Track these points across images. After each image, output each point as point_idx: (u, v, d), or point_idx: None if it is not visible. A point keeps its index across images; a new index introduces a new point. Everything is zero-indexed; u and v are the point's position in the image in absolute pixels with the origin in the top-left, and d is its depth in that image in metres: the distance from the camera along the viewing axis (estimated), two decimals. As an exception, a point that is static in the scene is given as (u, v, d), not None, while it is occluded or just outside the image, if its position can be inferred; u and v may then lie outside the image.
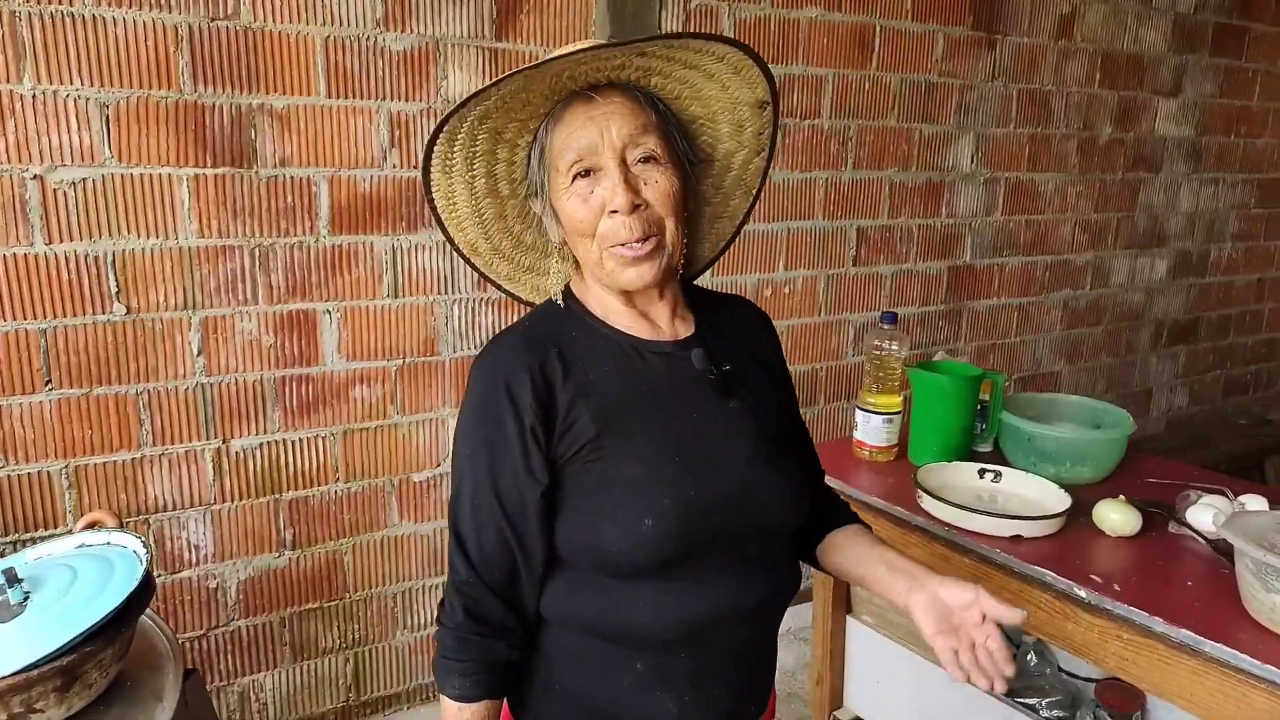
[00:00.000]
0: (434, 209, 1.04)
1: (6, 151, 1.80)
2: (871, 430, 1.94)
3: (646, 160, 0.99)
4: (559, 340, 1.04)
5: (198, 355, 2.07)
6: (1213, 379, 4.34)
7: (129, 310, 1.98)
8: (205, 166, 1.99)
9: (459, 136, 0.97)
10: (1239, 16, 3.80)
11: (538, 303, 1.16)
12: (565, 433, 1.00)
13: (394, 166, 2.20)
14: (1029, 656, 1.89)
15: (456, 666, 1.00)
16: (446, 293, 2.34)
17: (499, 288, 1.15)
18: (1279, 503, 1.63)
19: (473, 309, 2.38)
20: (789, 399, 1.22)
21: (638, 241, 0.98)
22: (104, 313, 1.96)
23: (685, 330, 1.10)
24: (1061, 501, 1.67)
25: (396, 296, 2.28)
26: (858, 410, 1.97)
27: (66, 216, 1.88)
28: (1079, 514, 1.66)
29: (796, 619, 3.02)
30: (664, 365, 1.06)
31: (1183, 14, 3.60)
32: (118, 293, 1.96)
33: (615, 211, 0.97)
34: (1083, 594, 1.43)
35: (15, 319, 1.87)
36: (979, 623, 0.96)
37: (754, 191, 1.18)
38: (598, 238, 1.00)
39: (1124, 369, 3.97)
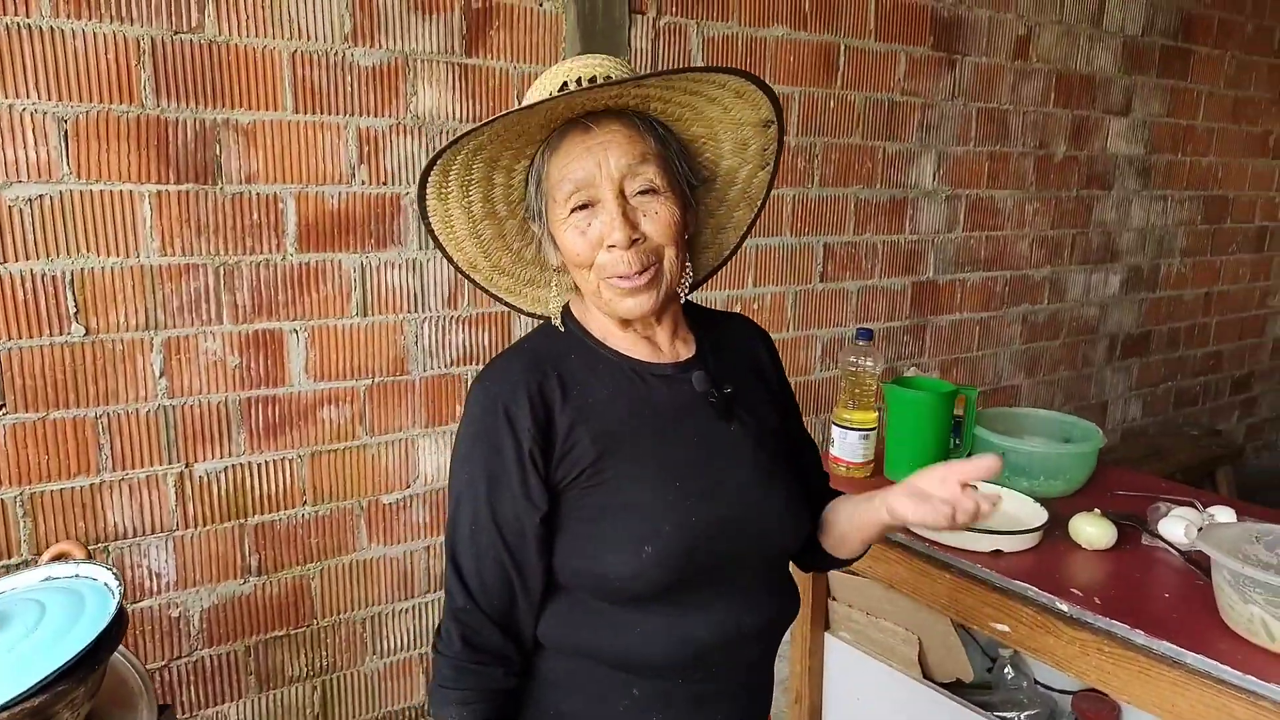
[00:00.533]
0: (431, 232, 1.02)
1: (-41, 167, 1.74)
2: (848, 447, 1.95)
3: (645, 192, 0.98)
4: (558, 362, 1.02)
5: (160, 377, 2.01)
6: (1164, 391, 4.45)
7: (88, 331, 1.91)
8: (168, 183, 1.94)
9: (453, 167, 0.96)
10: (1184, 39, 3.92)
11: (539, 313, 1.15)
12: (564, 457, 0.99)
13: (362, 183, 2.17)
14: (1005, 670, 1.91)
15: (455, 695, 0.98)
16: (416, 311, 2.30)
17: (501, 301, 1.13)
18: (1245, 514, 1.67)
19: (443, 327, 2.35)
20: (792, 412, 1.22)
21: (636, 274, 0.97)
22: (62, 333, 1.89)
23: (686, 352, 1.09)
24: (1038, 516, 1.69)
25: (365, 315, 2.24)
26: (834, 427, 1.97)
27: (23, 234, 1.82)
28: (1054, 528, 1.69)
29: (768, 635, 3.02)
30: (665, 388, 1.05)
31: (1131, 36, 3.71)
32: (76, 313, 1.89)
33: (613, 246, 0.96)
34: (1064, 608, 1.45)
35: (-33, 341, 1.80)
36: (959, 494, 0.96)
37: (758, 203, 1.17)
38: (595, 269, 0.99)
39: (1081, 382, 4.06)
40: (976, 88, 3.27)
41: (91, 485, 1.98)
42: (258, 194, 2.05)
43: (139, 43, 1.86)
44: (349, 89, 2.11)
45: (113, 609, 1.05)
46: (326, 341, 2.20)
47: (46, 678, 0.94)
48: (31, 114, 1.79)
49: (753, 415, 1.11)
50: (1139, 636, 1.36)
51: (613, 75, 0.99)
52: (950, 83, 3.19)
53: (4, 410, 1.85)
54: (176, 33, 1.89)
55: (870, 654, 1.95)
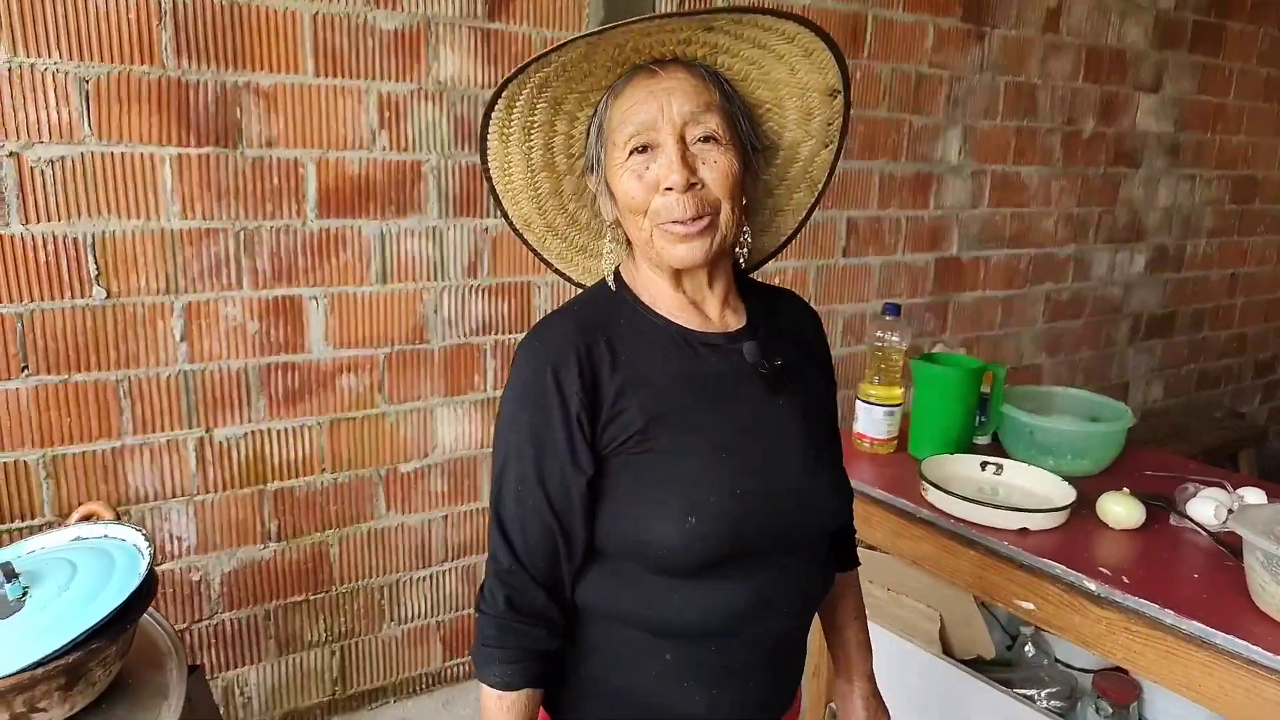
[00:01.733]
0: (489, 180, 1.00)
1: (-19, 127, 1.73)
2: (873, 423, 1.93)
3: (706, 140, 0.96)
4: (608, 327, 1.01)
5: (180, 341, 2.01)
6: (1187, 372, 4.41)
7: (109, 294, 1.91)
8: (189, 146, 1.93)
9: (517, 104, 0.94)
10: (1216, 15, 3.84)
11: (588, 284, 1.13)
12: (611, 422, 0.97)
13: (383, 149, 2.15)
14: (1026, 648, 1.90)
15: (499, 654, 0.98)
16: (436, 279, 2.29)
17: (550, 266, 1.12)
18: (1275, 496, 1.64)
19: (462, 296, 2.34)
20: (834, 399, 1.20)
21: (690, 220, 0.95)
22: (83, 297, 1.88)
23: (736, 322, 1.07)
24: (1066, 494, 1.67)
25: (385, 283, 2.22)
26: (859, 402, 1.96)
27: (45, 195, 1.81)
28: (1081, 507, 1.67)
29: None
30: (715, 357, 1.03)
31: (1164, 10, 3.64)
32: (98, 276, 1.89)
33: (669, 189, 0.94)
34: (1092, 586, 1.43)
35: (-10, 302, 1.80)
36: None
37: (819, 186, 1.15)
38: (650, 214, 0.97)
39: (1103, 362, 4.02)
40: (1005, 61, 3.21)
41: (113, 448, 1.98)
42: (278, 158, 2.03)
43: (160, 3, 1.84)
44: (370, 53, 2.08)
45: (143, 570, 1.05)
46: (346, 309, 2.19)
47: (80, 635, 0.95)
48: (54, 74, 1.77)
49: (802, 390, 1.09)
50: (1168, 616, 1.34)
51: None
52: (978, 55, 3.13)
53: (27, 372, 1.85)
54: (199, -7, 1.87)
55: (891, 630, 1.94)
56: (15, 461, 1.88)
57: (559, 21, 2.31)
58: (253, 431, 2.14)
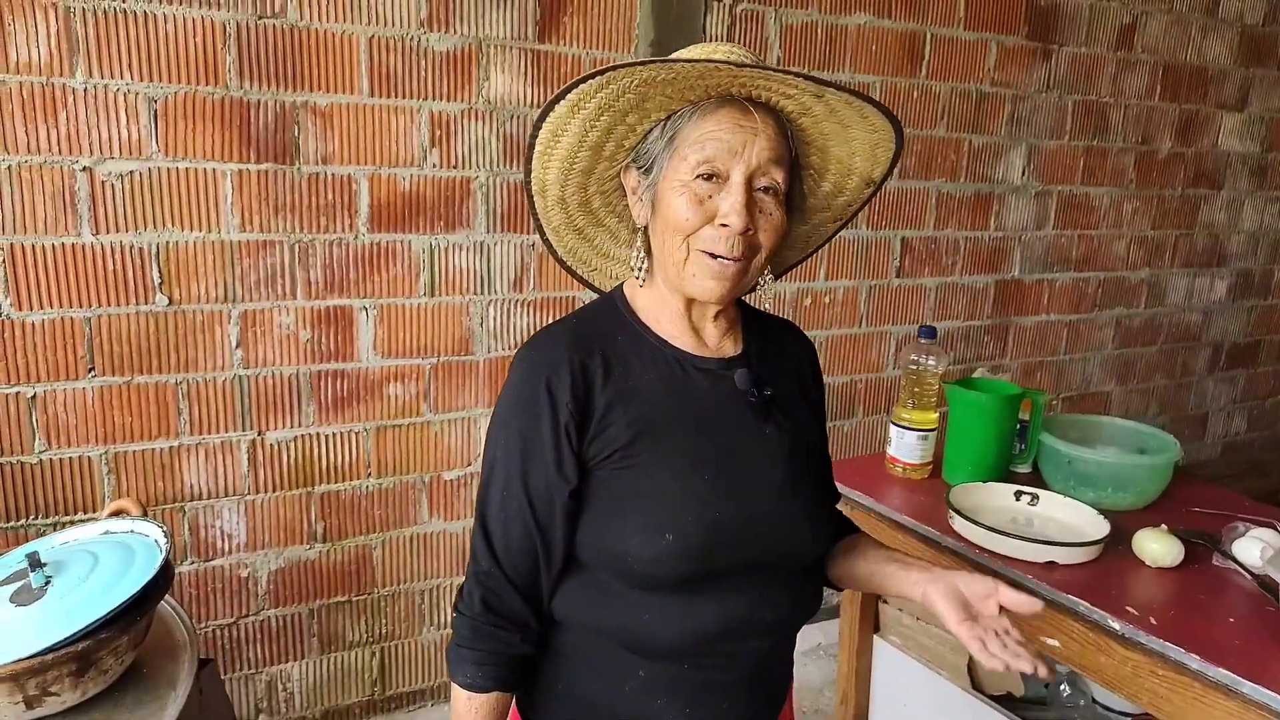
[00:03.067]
0: (536, 133, 1.00)
1: (58, 143, 1.85)
2: (905, 447, 1.90)
3: (767, 190, 0.98)
4: (604, 341, 1.03)
5: (236, 348, 2.10)
6: (1273, 405, 4.18)
7: (171, 301, 2.02)
8: (249, 162, 2.02)
9: (610, 87, 0.95)
10: (1311, 29, 3.65)
11: (568, 263, 1.16)
12: (598, 435, 0.99)
13: (434, 166, 2.22)
14: (1063, 687, 1.84)
15: (471, 655, 1.00)
16: (482, 293, 2.35)
17: (542, 235, 1.12)
18: (1333, 539, 1.55)
19: (508, 310, 2.39)
20: (823, 432, 1.20)
21: (733, 260, 0.97)
22: (147, 303, 1.99)
23: (732, 349, 1.09)
24: (1099, 528, 1.61)
25: (433, 295, 2.29)
26: (892, 425, 1.92)
27: (113, 208, 1.92)
28: (1118, 542, 1.60)
29: (827, 635, 2.98)
30: (706, 382, 1.05)
31: (1250, 25, 3.48)
32: (160, 284, 2.00)
33: (725, 226, 0.96)
34: (1116, 626, 1.38)
35: (61, 306, 1.92)
36: (996, 613, 0.99)
37: (810, 250, 1.21)
38: (693, 238, 0.98)
39: (1179, 391, 3.84)
40: (1074, 79, 3.12)
41: (171, 448, 2.09)
42: (333, 174, 2.12)
43: (225, 26, 1.94)
44: (423, 74, 2.16)
45: (158, 564, 1.11)
46: (395, 320, 2.26)
47: (90, 625, 1.01)
48: (124, 94, 1.89)
49: (791, 421, 1.09)
50: (1194, 661, 1.28)
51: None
52: (1045, 73, 3.05)
53: (93, 373, 1.97)
54: (260, 17, 1.97)
55: (919, 660, 1.90)
56: (80, 457, 2.00)
57: (609, 43, 2.35)
58: (302, 435, 2.23)
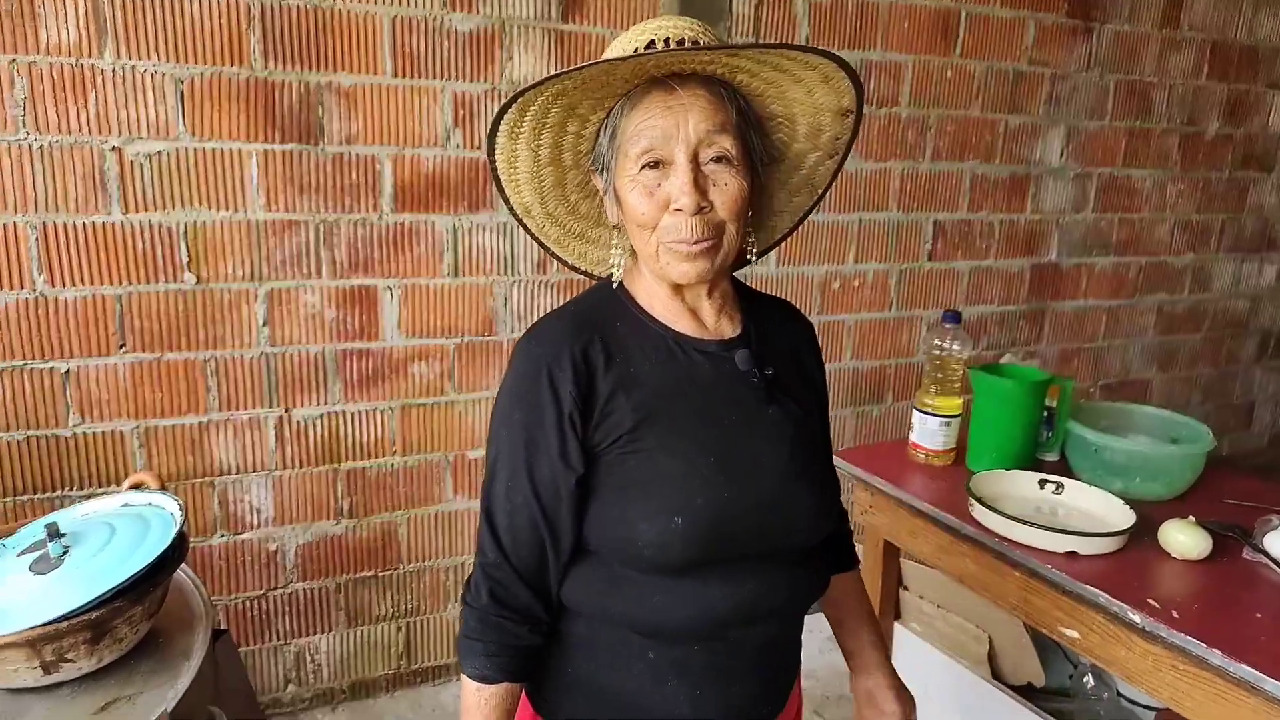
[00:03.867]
0: (494, 169, 1.02)
1: (88, 124, 1.88)
2: (928, 433, 1.87)
3: (719, 160, 0.96)
4: (604, 328, 1.02)
5: (263, 326, 2.13)
6: (1323, 395, 4.05)
7: (199, 280, 2.05)
8: (274, 142, 2.04)
9: (531, 108, 0.95)
10: (1372, 4, 3.51)
11: (582, 268, 1.15)
12: (602, 422, 0.98)
13: (457, 146, 2.22)
14: (1086, 679, 1.81)
15: (480, 647, 1.00)
16: (506, 274, 2.35)
17: (547, 250, 1.13)
18: (1371, 533, 1.50)
19: (531, 291, 2.39)
20: (824, 414, 1.19)
21: (696, 242, 0.96)
22: (175, 281, 2.03)
23: (731, 330, 1.08)
24: (1124, 518, 1.57)
25: (456, 276, 2.30)
26: (915, 411, 1.89)
27: (142, 188, 1.96)
28: (1145, 533, 1.56)
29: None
30: (707, 364, 1.04)
31: (1307, 1, 3.35)
32: (189, 262, 2.03)
33: (679, 210, 0.95)
34: (1136, 618, 1.34)
35: (93, 284, 1.96)
36: None
37: (819, 192, 1.14)
38: (657, 231, 0.97)
39: (1223, 380, 3.74)
40: (1116, 58, 3.03)
41: (200, 423, 2.13)
42: (357, 155, 2.13)
43: (249, 7, 1.96)
44: (446, 54, 2.16)
45: (171, 537, 1.13)
46: (419, 300, 2.28)
47: (103, 594, 1.03)
48: (152, 75, 1.91)
49: (793, 401, 1.08)
50: (1215, 656, 1.25)
51: (700, 40, 0.97)
52: (1085, 52, 2.97)
53: (124, 349, 2.01)
54: (285, -2, 1.98)
55: (940, 648, 1.88)
56: (113, 431, 2.05)
57: (632, 22, 2.32)
58: (328, 413, 2.26)
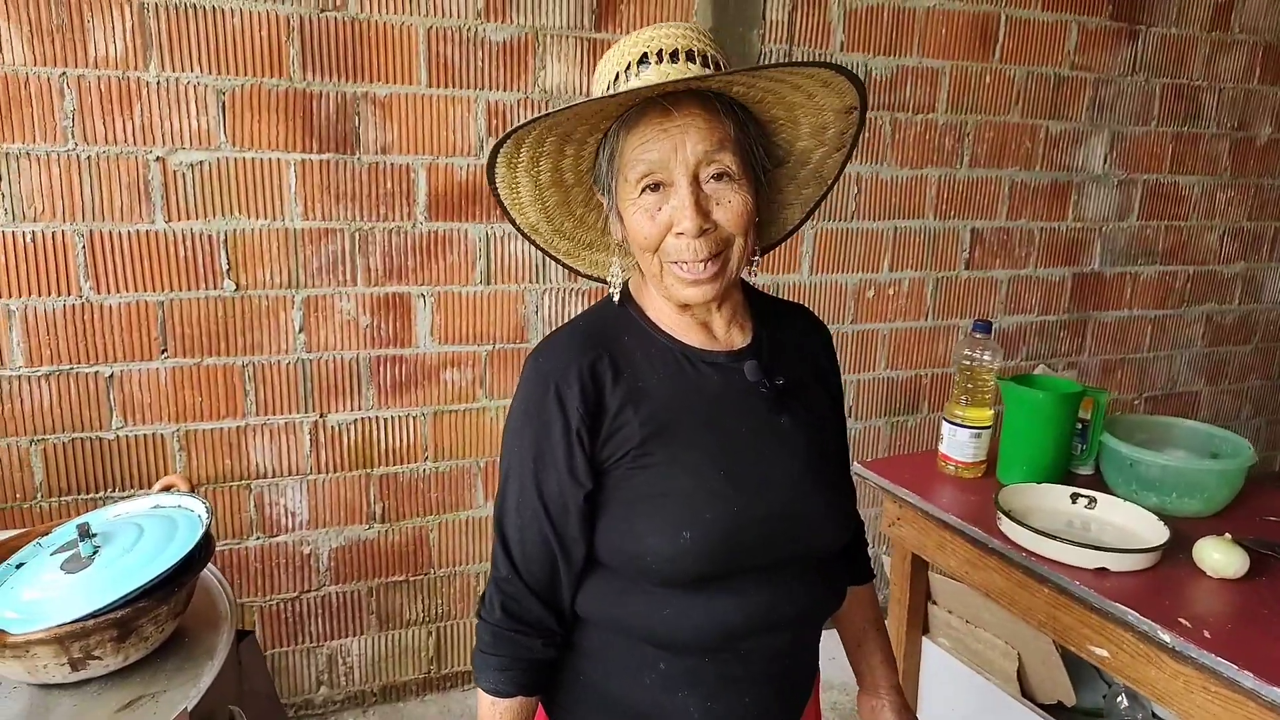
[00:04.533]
0: (497, 196, 1.03)
1: (133, 134, 1.94)
2: (957, 444, 1.84)
3: (719, 178, 0.95)
4: (612, 343, 1.02)
5: (299, 332, 2.18)
6: (1383, 409, 3.90)
7: (238, 286, 2.10)
8: (311, 152, 2.09)
9: (527, 140, 0.96)
10: None
11: (596, 275, 1.16)
12: (611, 437, 0.99)
13: (490, 155, 2.24)
14: (1120, 699, 1.76)
15: (494, 661, 1.01)
16: (537, 282, 2.37)
17: (560, 262, 1.14)
18: None
19: (562, 299, 2.40)
20: (840, 421, 1.17)
21: (701, 262, 0.96)
22: (215, 288, 2.08)
23: (741, 340, 1.07)
24: (1158, 535, 1.53)
25: (489, 283, 2.32)
26: (944, 422, 1.87)
27: (184, 196, 2.01)
28: (1179, 550, 1.53)
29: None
30: (716, 376, 1.03)
31: (1366, 1, 3.24)
32: (228, 269, 2.08)
33: (681, 234, 0.95)
34: (1166, 638, 1.31)
35: (137, 290, 2.02)
36: None
37: (829, 183, 1.13)
38: (660, 252, 0.97)
39: (1276, 393, 3.63)
40: (1162, 61, 2.96)
41: (238, 427, 2.18)
42: (392, 164, 2.17)
43: (289, 20, 2.00)
44: (480, 64, 2.19)
45: (197, 539, 1.16)
46: (451, 307, 2.31)
47: (130, 594, 1.06)
48: (194, 86, 1.97)
49: (806, 410, 1.07)
50: (1247, 679, 1.21)
51: (694, 49, 0.97)
52: (1130, 56, 2.91)
53: (165, 354, 2.07)
54: (322, 10, 2.02)
55: (968, 664, 1.85)
56: (154, 434, 2.10)
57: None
58: (362, 419, 2.29)
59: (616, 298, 1.07)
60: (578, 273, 1.16)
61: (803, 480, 1.03)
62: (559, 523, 0.99)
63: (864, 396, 2.85)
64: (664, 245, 0.96)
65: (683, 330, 1.04)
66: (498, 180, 1.02)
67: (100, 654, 1.07)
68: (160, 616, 1.12)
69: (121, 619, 1.06)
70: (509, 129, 0.91)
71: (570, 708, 1.08)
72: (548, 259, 2.33)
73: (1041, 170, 2.89)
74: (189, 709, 1.04)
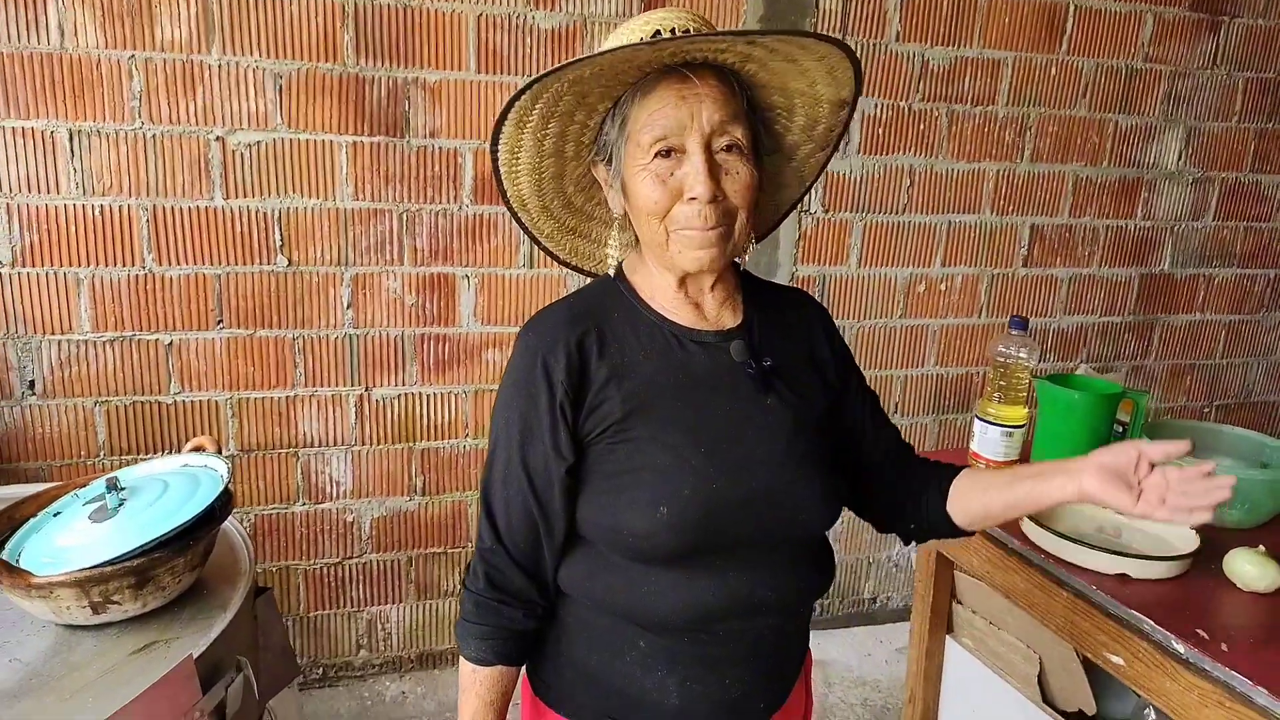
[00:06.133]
0: (495, 158, 1.04)
1: (196, 115, 2.04)
2: (989, 443, 1.80)
3: (730, 149, 0.96)
4: (601, 318, 1.04)
5: (347, 308, 2.25)
6: None
7: (290, 262, 2.18)
8: (363, 135, 2.16)
9: (545, 94, 0.97)
10: None
11: (573, 263, 1.17)
12: (593, 411, 1.00)
13: (536, 141, 2.28)
14: (1147, 711, 1.70)
15: (475, 630, 1.03)
16: (580, 266, 2.40)
17: (538, 244, 1.15)
18: None
19: (604, 283, 2.43)
20: (854, 383, 1.17)
21: (711, 230, 0.97)
22: (269, 263, 2.17)
23: (731, 321, 1.08)
24: (1187, 543, 1.48)
25: (531, 267, 2.36)
26: (976, 420, 1.83)
27: (242, 175, 2.10)
28: (1211, 560, 1.47)
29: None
30: (704, 355, 1.04)
31: None
32: (281, 246, 2.17)
33: (693, 199, 0.96)
34: (1180, 648, 1.27)
35: (196, 263, 2.12)
36: (1148, 473, 0.94)
37: (808, 183, 1.14)
38: (668, 219, 0.99)
39: (1363, 406, 3.42)
40: (1246, 54, 2.82)
41: (287, 397, 2.27)
42: (440, 148, 2.22)
43: (344, 7, 2.07)
44: (528, 50, 2.22)
45: (214, 496, 1.22)
46: (494, 288, 2.35)
47: (145, 544, 1.12)
48: (253, 70, 2.05)
49: (794, 392, 1.07)
50: (1260, 695, 1.16)
51: (704, 29, 0.99)
52: (1210, 48, 2.77)
53: (221, 325, 2.17)
54: (376, -3, 2.09)
55: (990, 666, 1.81)
56: (209, 401, 2.21)
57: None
58: (406, 394, 2.36)
59: (612, 272, 1.09)
60: (555, 258, 1.17)
61: (787, 461, 1.02)
62: (543, 495, 1.01)
63: (911, 392, 2.80)
64: (672, 212, 0.97)
65: (675, 308, 1.05)
66: (502, 141, 1.02)
67: (119, 599, 1.14)
68: (177, 568, 1.19)
69: (138, 567, 1.13)
70: (532, 79, 0.92)
71: (552, 682, 1.10)
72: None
73: (1109, 166, 2.78)
74: (196, 656, 1.10)
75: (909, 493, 1.16)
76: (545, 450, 1.00)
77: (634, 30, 1.00)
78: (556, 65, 0.91)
